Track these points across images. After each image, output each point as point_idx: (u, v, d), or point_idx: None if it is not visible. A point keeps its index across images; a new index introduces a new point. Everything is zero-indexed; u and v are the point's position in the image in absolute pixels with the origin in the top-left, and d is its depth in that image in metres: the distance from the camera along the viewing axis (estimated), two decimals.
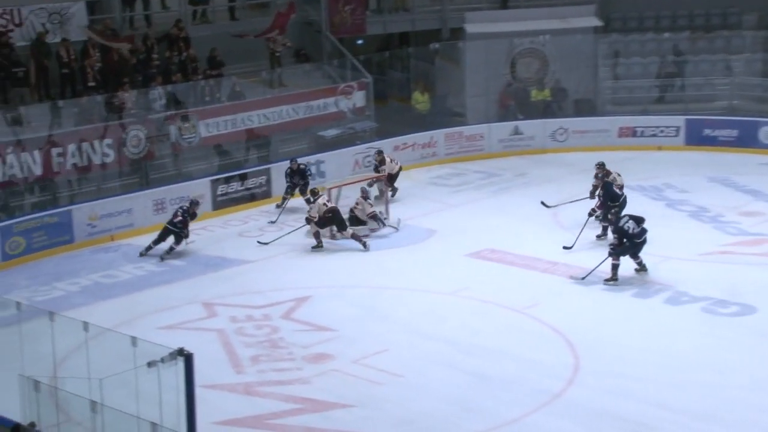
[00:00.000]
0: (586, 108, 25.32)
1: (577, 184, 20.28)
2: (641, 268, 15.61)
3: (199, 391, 9.98)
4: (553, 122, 24.27)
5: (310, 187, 18.93)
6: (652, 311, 14.54)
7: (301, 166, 19.67)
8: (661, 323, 14.10)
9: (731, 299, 14.71)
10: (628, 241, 15.28)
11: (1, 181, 17.84)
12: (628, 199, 17.25)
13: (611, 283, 15.32)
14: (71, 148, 18.69)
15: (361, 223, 18.37)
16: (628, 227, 15.26)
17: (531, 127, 24.06)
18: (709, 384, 12.31)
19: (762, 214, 18.61)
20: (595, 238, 17.17)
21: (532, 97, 25.16)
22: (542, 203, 18.85)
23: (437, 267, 16.75)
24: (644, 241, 15.38)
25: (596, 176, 17.96)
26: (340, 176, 20.66)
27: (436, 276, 16.32)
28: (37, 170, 18.32)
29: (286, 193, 19.55)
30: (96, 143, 19.00)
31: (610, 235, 15.91)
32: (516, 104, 25.17)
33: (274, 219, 19.15)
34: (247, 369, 13.10)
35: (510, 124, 24.11)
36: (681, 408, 11.74)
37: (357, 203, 18.49)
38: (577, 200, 18.23)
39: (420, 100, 24.95)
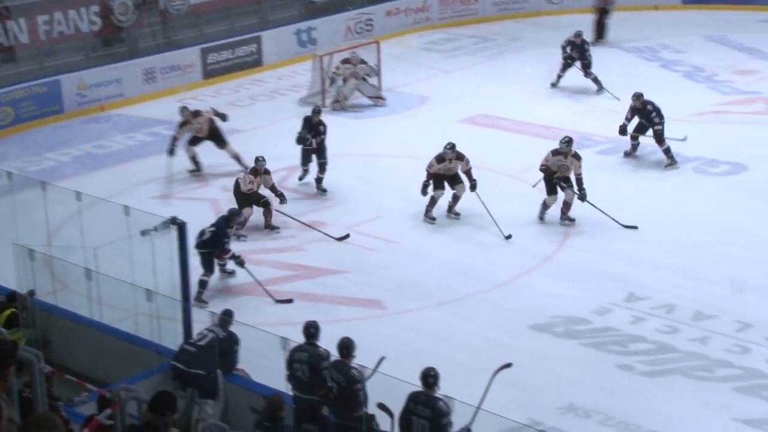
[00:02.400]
0: None
1: None
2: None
3: (193, 260, 10.10)
4: None
5: None
6: (645, 172, 14.55)
7: None
8: (653, 184, 14.14)
9: (722, 158, 14.73)
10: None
11: None
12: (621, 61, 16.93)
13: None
14: (57, 15, 18.37)
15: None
16: None
17: None
18: (700, 243, 12.46)
19: (757, 72, 18.46)
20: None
21: None
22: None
23: (431, 134, 16.63)
24: None
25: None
26: (333, 43, 20.34)
27: (429, 143, 16.16)
28: (24, 39, 18.05)
29: None
30: (83, 10, 18.67)
31: None
32: None
33: None
34: (241, 237, 13.18)
35: None
36: (672, 267, 11.93)
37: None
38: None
39: None
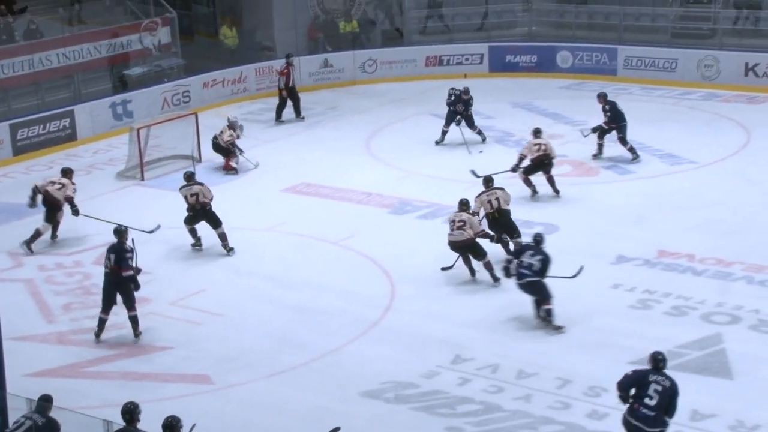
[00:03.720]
0: (393, 38, 25.56)
1: (387, 114, 20.61)
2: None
3: (8, 344, 9.70)
4: (362, 53, 24.38)
5: None
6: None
7: None
8: None
9: (536, 219, 15.35)
10: None
11: None
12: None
13: None
14: None
15: (223, 150, 18.17)
16: None
17: (341, 59, 24.09)
18: (517, 302, 12.80)
19: (562, 136, 19.37)
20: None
21: (341, 29, 25.16)
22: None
23: (253, 203, 16.70)
24: None
25: None
26: (150, 116, 20.11)
27: (252, 212, 16.28)
28: None
29: None
30: None
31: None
32: (325, 37, 25.10)
33: None
34: (59, 318, 12.77)
35: (320, 57, 24.06)
36: (492, 326, 12.31)
37: (222, 131, 18.28)
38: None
39: (228, 34, 24.50)
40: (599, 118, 18.99)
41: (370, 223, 15.58)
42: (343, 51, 24.38)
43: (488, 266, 13.31)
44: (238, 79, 22.96)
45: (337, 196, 16.79)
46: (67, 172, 15.37)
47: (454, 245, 13.31)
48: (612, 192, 16.60)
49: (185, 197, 14.70)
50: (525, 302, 12.82)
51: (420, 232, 15.25)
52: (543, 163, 16.29)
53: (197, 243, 14.81)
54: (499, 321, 12.42)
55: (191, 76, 22.43)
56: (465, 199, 13.56)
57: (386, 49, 24.67)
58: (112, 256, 12.14)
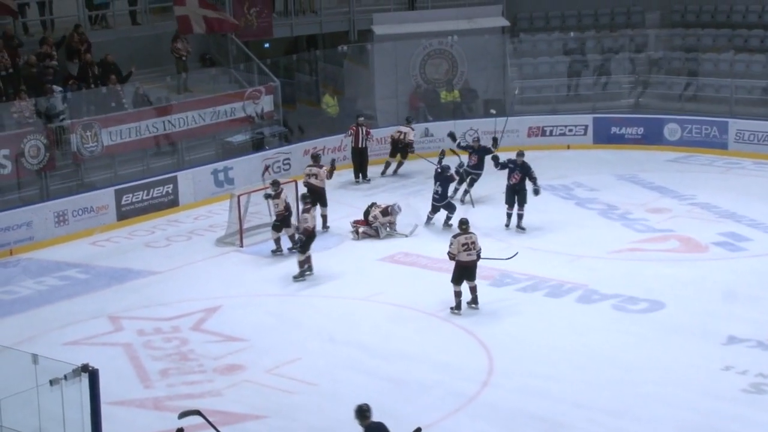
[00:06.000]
0: (495, 108, 25.46)
1: (487, 186, 20.35)
2: None
3: (106, 408, 9.67)
4: (463, 123, 24.33)
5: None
6: (565, 310, 14.61)
7: None
8: (573, 321, 14.19)
9: (640, 296, 14.88)
10: None
11: None
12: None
13: None
14: None
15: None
16: None
17: (441, 128, 24.06)
18: (621, 380, 12.42)
19: (668, 211, 18.92)
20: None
21: (442, 99, 25.20)
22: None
23: (350, 272, 16.60)
24: None
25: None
26: (250, 182, 20.31)
27: (349, 281, 16.18)
28: None
29: None
30: None
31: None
32: (426, 106, 25.17)
33: None
34: (156, 383, 12.76)
35: (420, 126, 24.09)
36: (594, 405, 11.85)
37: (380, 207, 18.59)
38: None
39: (330, 103, 24.74)
40: (707, 193, 18.47)
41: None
42: (444, 120, 24.36)
43: (475, 289, 14.51)
44: (339, 147, 23.09)
45: (435, 266, 16.56)
46: (317, 158, 18.35)
47: (473, 264, 14.38)
48: (722, 269, 16.01)
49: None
50: (626, 380, 12.38)
51: (519, 304, 14.92)
52: (397, 147, 20.26)
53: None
54: (601, 399, 11.96)
55: (292, 144, 22.66)
56: (465, 218, 14.76)
57: (488, 119, 24.53)
58: None
